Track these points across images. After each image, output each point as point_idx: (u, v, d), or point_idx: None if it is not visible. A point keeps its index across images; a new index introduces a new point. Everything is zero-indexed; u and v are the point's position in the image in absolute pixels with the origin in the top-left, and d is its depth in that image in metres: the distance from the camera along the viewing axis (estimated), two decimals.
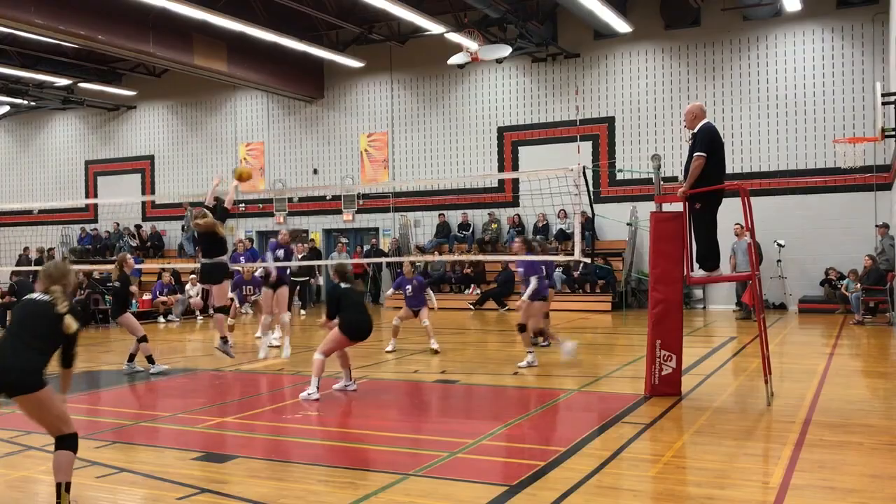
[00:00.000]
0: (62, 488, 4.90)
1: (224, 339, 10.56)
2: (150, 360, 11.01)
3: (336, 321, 8.83)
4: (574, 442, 6.61)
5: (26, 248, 25.52)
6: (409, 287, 12.33)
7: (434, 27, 19.55)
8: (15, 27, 17.54)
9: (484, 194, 22.49)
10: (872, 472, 5.75)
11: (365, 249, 23.09)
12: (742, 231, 16.38)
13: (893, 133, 13.47)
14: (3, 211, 28.43)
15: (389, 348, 12.40)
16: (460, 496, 5.31)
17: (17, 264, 24.36)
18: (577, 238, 10.96)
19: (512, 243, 13.80)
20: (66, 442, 5.00)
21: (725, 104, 19.92)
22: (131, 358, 11.18)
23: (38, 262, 23.27)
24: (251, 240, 21.13)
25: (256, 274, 13.34)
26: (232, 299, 14.46)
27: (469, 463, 6.17)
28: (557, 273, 20.11)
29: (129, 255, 11.54)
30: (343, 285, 8.96)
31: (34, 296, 5.22)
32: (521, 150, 22.21)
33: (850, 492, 5.28)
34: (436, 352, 12.06)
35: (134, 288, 13.80)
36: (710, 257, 8.41)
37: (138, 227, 26.51)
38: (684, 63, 20.41)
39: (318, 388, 8.72)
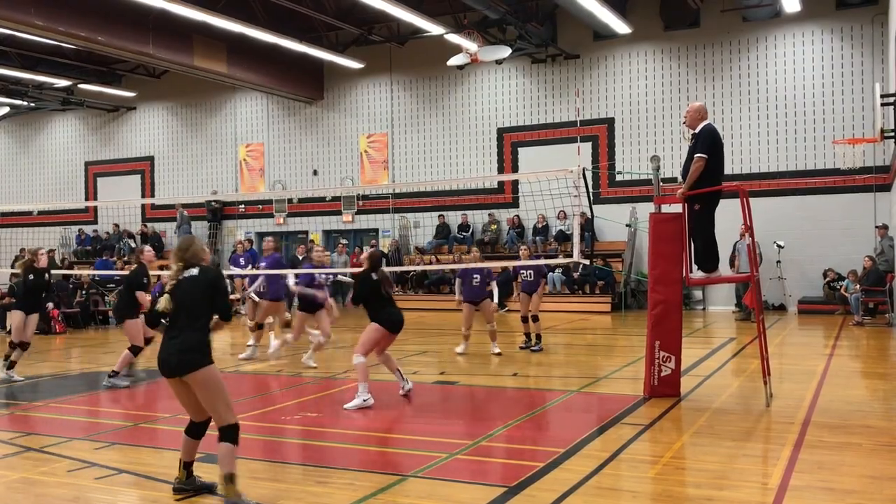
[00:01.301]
0: (225, 479, 5.16)
1: (114, 374, 10.12)
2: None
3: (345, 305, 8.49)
4: (573, 443, 6.61)
5: (22, 250, 25.48)
6: (476, 276, 11.71)
7: (434, 28, 19.54)
8: (15, 28, 17.54)
9: (484, 195, 22.48)
10: (871, 473, 5.76)
11: (364, 251, 23.03)
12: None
13: (892, 134, 13.47)
14: (3, 212, 28.41)
15: (460, 350, 12.23)
16: (459, 497, 5.31)
17: (13, 266, 24.32)
18: (577, 239, 10.95)
19: (266, 241, 13.78)
20: (226, 433, 5.21)
21: (725, 105, 19.92)
22: (11, 365, 10.72)
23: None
24: (250, 241, 21.10)
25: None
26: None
27: (468, 464, 6.18)
28: (557, 274, 20.14)
29: (42, 250, 11.40)
30: (374, 276, 8.49)
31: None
32: (521, 151, 22.21)
33: (849, 493, 5.29)
34: (498, 354, 11.89)
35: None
36: (709, 258, 8.40)
37: (148, 225, 26.49)
38: (684, 64, 20.41)
39: (368, 391, 8.30)
